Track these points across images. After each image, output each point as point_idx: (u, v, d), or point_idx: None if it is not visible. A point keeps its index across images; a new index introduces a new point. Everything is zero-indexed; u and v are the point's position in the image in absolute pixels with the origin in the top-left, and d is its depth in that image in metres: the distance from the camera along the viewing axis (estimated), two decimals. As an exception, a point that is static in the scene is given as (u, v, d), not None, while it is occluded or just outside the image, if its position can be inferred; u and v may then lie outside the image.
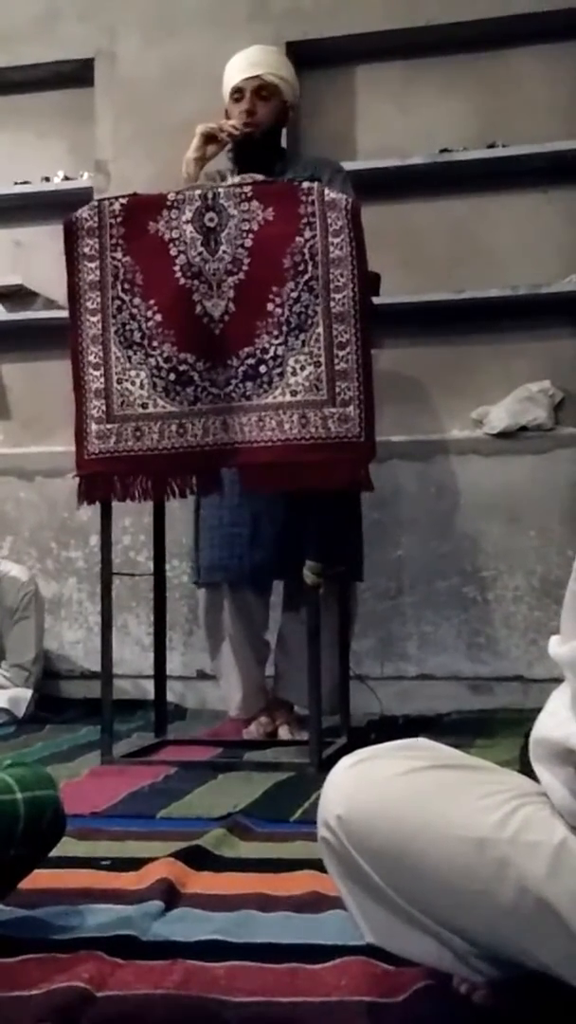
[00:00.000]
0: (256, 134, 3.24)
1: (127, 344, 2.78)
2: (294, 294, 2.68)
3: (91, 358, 2.80)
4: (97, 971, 1.35)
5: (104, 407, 2.79)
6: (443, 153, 3.86)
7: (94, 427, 2.80)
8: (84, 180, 4.16)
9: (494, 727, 3.34)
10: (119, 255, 2.78)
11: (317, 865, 1.52)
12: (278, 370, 2.69)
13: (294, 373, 2.68)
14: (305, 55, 4.00)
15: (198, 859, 1.87)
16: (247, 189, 2.74)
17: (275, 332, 2.70)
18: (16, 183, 4.21)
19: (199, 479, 2.81)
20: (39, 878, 1.61)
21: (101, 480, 2.82)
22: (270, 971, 1.37)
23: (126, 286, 2.78)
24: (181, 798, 2.44)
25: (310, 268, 2.68)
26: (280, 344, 2.69)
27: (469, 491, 3.84)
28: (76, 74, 4.21)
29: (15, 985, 1.33)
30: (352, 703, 3.27)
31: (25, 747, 3.18)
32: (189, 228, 2.75)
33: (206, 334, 2.74)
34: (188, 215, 2.75)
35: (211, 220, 2.74)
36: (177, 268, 2.75)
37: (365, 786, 1.24)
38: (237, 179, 2.87)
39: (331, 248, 2.67)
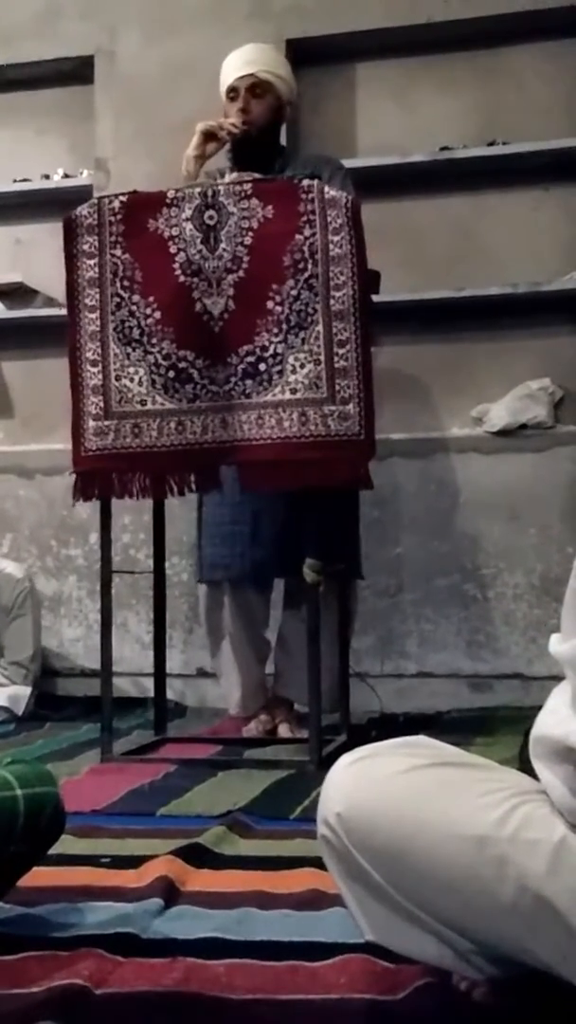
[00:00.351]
0: (253, 132, 3.24)
1: (126, 341, 2.78)
2: (294, 292, 2.68)
3: (89, 355, 2.80)
4: (97, 968, 1.35)
5: (102, 404, 2.79)
6: (443, 151, 3.86)
7: (91, 424, 2.80)
8: (84, 178, 4.16)
9: (494, 725, 3.34)
10: (119, 252, 2.78)
11: (317, 863, 1.52)
12: (278, 368, 2.69)
13: (294, 371, 2.68)
14: (305, 53, 4.00)
15: (198, 857, 1.87)
16: (247, 187, 2.74)
17: (275, 330, 2.69)
18: (16, 181, 4.21)
19: (198, 477, 2.80)
20: (39, 875, 1.61)
21: (98, 477, 2.82)
22: (270, 968, 1.37)
23: (125, 283, 2.78)
24: (181, 796, 2.45)
25: (310, 266, 2.68)
26: (280, 342, 2.69)
27: (469, 489, 3.84)
28: (76, 72, 4.21)
29: (15, 982, 1.33)
30: (352, 701, 3.27)
31: (25, 745, 3.18)
32: (189, 226, 2.75)
33: (205, 331, 2.74)
34: (188, 213, 2.75)
35: (211, 218, 2.74)
36: (177, 265, 2.75)
37: (365, 784, 1.24)
38: (235, 176, 2.87)
39: (331, 246, 2.67)
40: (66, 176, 4.19)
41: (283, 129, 3.48)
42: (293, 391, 2.68)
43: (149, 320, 2.76)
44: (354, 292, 2.66)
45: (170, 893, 1.67)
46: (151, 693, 3.35)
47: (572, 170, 3.83)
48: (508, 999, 1.22)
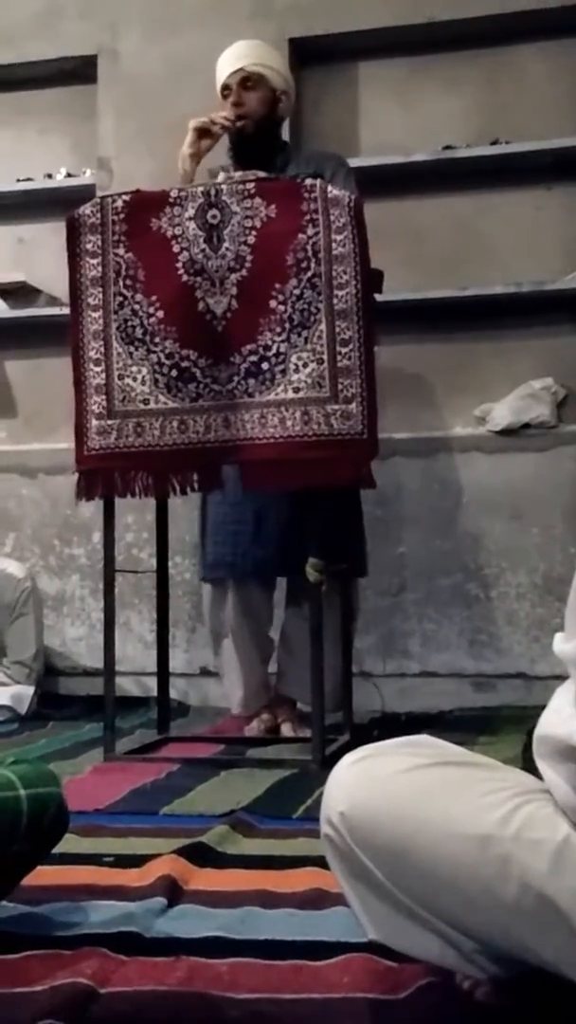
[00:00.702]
0: (249, 127, 3.23)
1: (128, 340, 2.78)
2: (297, 291, 2.68)
3: (92, 354, 2.80)
4: (100, 968, 1.35)
5: (105, 403, 2.79)
6: (446, 150, 3.86)
7: (94, 423, 2.80)
8: (87, 177, 4.16)
9: (497, 724, 3.34)
10: (121, 251, 2.78)
11: (320, 862, 1.52)
12: (280, 367, 2.69)
13: (296, 370, 2.68)
14: (308, 52, 4.00)
15: (201, 856, 1.87)
16: (250, 186, 2.74)
17: (278, 329, 2.69)
18: (19, 180, 4.21)
19: (200, 476, 2.80)
20: (42, 874, 1.61)
21: (101, 476, 2.82)
22: (273, 968, 1.37)
23: (128, 282, 2.78)
24: (184, 795, 2.45)
25: (313, 265, 2.68)
26: (283, 341, 2.69)
27: (472, 488, 3.84)
28: (78, 71, 4.21)
29: (18, 981, 1.33)
30: (355, 700, 3.27)
31: (28, 744, 3.18)
32: (192, 225, 2.75)
33: (208, 331, 2.74)
34: (191, 212, 2.75)
35: (214, 217, 2.74)
36: (180, 265, 2.75)
37: (368, 783, 1.24)
38: (238, 175, 2.87)
39: (334, 245, 2.67)
40: (69, 175, 4.19)
41: (284, 126, 3.46)
42: (296, 390, 2.68)
43: (152, 319, 2.76)
44: (357, 291, 2.66)
45: (173, 892, 1.67)
46: (154, 692, 3.35)
47: (575, 169, 3.82)
48: (511, 998, 1.22)
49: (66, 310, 2.96)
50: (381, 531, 3.75)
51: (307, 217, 2.68)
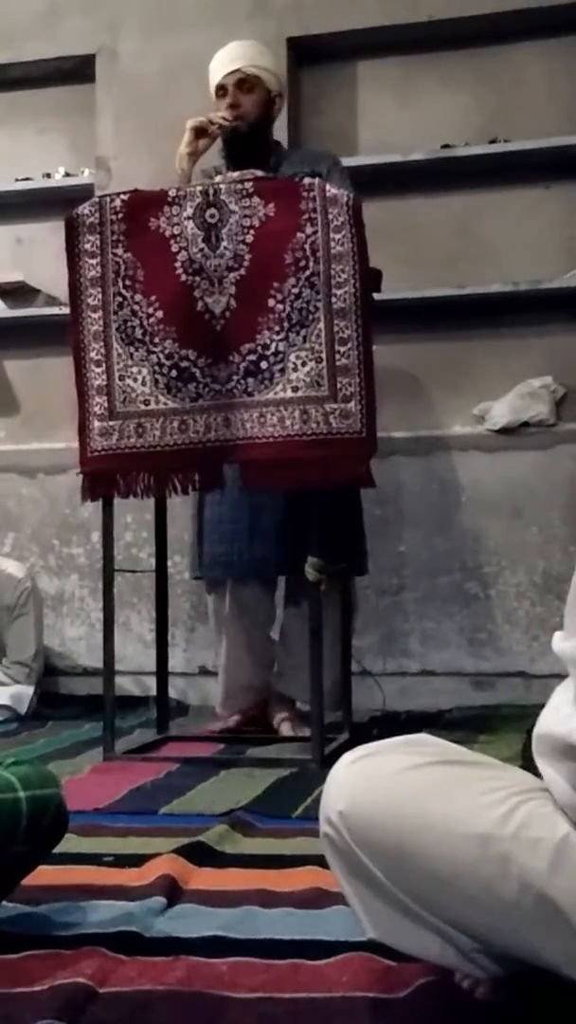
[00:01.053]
0: (243, 127, 3.24)
1: (128, 340, 2.78)
2: (295, 290, 2.68)
3: (93, 355, 2.80)
4: (100, 967, 1.35)
5: (106, 404, 2.79)
6: (444, 149, 3.86)
7: (97, 424, 2.80)
8: (85, 176, 4.16)
9: (496, 723, 3.34)
10: (120, 251, 2.78)
11: (319, 861, 1.52)
12: (279, 366, 2.69)
13: (295, 369, 2.68)
14: (306, 51, 4.00)
15: (200, 855, 1.87)
16: (248, 185, 2.74)
17: (276, 328, 2.69)
18: (17, 179, 4.21)
19: (201, 475, 2.80)
20: (42, 874, 1.61)
21: (104, 477, 2.82)
22: (272, 967, 1.37)
23: (127, 282, 2.78)
24: (183, 794, 2.45)
25: (311, 264, 2.68)
26: (281, 340, 2.69)
27: (471, 487, 3.84)
28: (77, 70, 4.21)
29: (18, 981, 1.33)
30: (354, 699, 3.27)
31: (28, 743, 3.18)
32: (190, 224, 2.75)
33: (207, 330, 2.74)
34: (189, 211, 2.75)
35: (212, 216, 2.74)
36: (178, 264, 2.75)
37: (367, 782, 1.24)
38: (237, 175, 2.87)
39: (332, 244, 2.67)
40: (67, 175, 4.19)
41: (275, 125, 3.45)
42: (295, 389, 2.68)
43: (151, 319, 2.76)
44: (355, 290, 2.66)
45: (172, 892, 1.67)
46: (153, 692, 3.35)
47: (573, 168, 3.83)
48: (511, 997, 1.22)
49: (65, 310, 2.96)
50: (381, 530, 3.75)
51: (305, 216, 2.68)
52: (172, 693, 3.46)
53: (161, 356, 2.75)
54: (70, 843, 1.75)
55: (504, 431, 3.80)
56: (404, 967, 1.32)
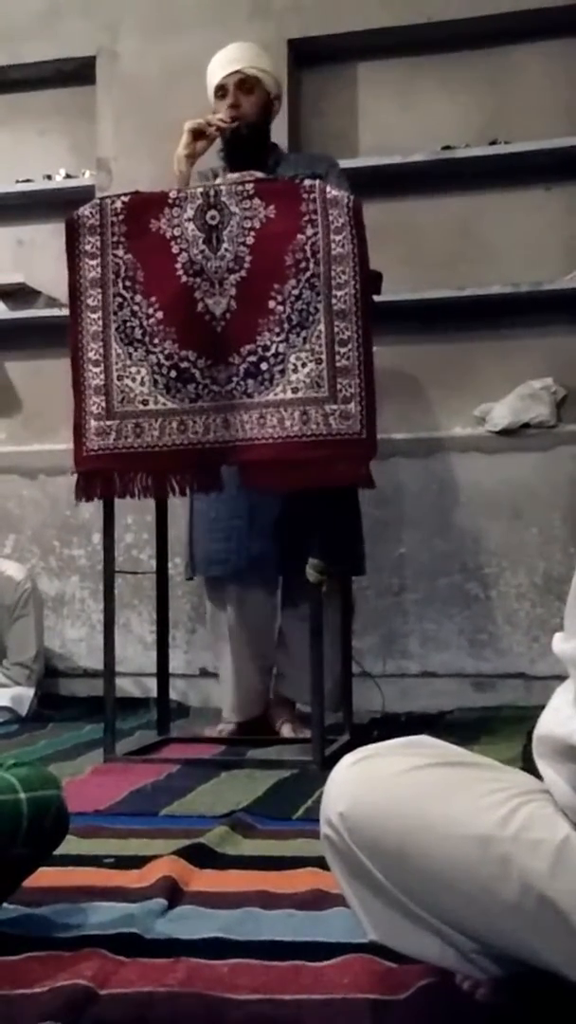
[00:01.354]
0: (243, 128, 3.24)
1: (128, 341, 2.78)
2: (295, 291, 2.68)
3: (91, 355, 2.80)
4: (100, 969, 1.35)
5: (104, 404, 2.79)
6: (445, 150, 3.86)
7: (93, 424, 2.80)
8: (86, 178, 4.16)
9: (497, 724, 3.34)
10: (120, 253, 2.78)
11: (320, 863, 1.52)
12: (279, 367, 2.69)
13: (295, 370, 2.68)
14: (306, 53, 4.00)
15: (201, 857, 1.87)
16: (249, 187, 2.74)
17: (276, 329, 2.69)
18: (18, 181, 4.22)
19: (200, 476, 2.80)
20: (42, 876, 1.61)
21: (100, 477, 2.82)
22: (273, 968, 1.37)
23: (127, 283, 2.78)
24: (184, 796, 2.45)
25: (312, 265, 2.68)
26: (281, 341, 2.69)
27: (471, 488, 3.84)
28: (78, 72, 4.21)
29: (18, 983, 1.33)
30: (354, 701, 3.27)
31: (28, 745, 3.18)
32: (191, 226, 2.75)
33: (207, 331, 2.74)
34: (190, 213, 2.75)
35: (213, 218, 2.74)
36: (179, 266, 2.75)
37: (368, 783, 1.24)
38: (237, 176, 2.87)
39: (333, 245, 2.67)
40: (68, 176, 4.20)
41: (272, 126, 3.46)
42: (295, 390, 2.68)
43: (151, 320, 2.76)
44: (355, 291, 2.66)
45: (173, 893, 1.67)
46: (154, 693, 3.35)
47: (574, 169, 3.83)
48: (511, 998, 1.22)
49: (65, 311, 2.96)
50: (381, 531, 3.76)
51: (306, 218, 2.68)
52: (173, 695, 3.46)
53: (161, 357, 2.75)
54: (71, 845, 1.75)
55: (504, 432, 3.80)
56: (405, 969, 1.32)
